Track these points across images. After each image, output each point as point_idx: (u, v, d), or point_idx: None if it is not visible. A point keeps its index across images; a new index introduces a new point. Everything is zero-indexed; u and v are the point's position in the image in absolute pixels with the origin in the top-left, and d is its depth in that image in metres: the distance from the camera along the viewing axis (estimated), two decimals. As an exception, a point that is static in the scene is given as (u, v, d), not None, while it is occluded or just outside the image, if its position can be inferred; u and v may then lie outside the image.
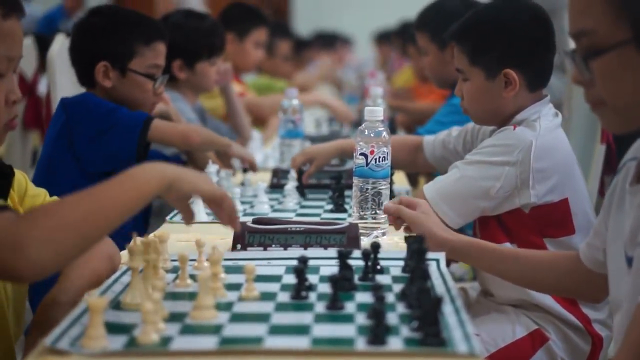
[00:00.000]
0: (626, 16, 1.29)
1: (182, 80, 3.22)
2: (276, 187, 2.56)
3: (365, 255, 1.56)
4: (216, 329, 1.31)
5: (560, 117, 2.12)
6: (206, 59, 3.21)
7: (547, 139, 2.04)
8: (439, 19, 2.93)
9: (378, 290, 1.30)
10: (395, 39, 7.45)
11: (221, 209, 1.52)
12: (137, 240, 1.43)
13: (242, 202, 2.34)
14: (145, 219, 2.57)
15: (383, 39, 8.84)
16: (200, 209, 2.17)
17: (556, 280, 1.76)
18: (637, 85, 1.31)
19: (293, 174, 2.46)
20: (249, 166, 2.63)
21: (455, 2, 2.99)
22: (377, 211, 1.93)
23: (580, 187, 2.09)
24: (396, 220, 1.86)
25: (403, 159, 2.45)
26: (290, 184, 2.40)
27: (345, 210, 2.25)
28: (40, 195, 1.74)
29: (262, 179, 2.52)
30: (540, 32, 2.09)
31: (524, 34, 2.08)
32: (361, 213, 1.93)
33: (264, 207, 2.29)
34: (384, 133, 1.93)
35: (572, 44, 1.41)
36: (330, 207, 2.30)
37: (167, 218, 2.18)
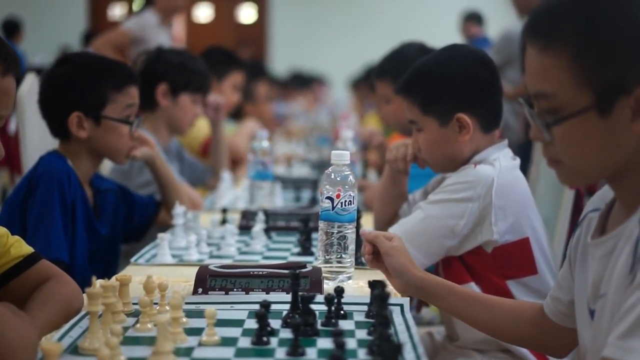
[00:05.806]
0: (589, 82, 1.28)
1: (161, 109, 3.24)
2: (245, 228, 2.54)
3: (328, 300, 1.55)
4: (174, 375, 1.29)
5: (518, 160, 2.16)
6: (190, 93, 3.26)
7: (507, 178, 2.06)
8: (401, 66, 2.92)
9: (338, 337, 1.29)
10: (362, 86, 7.56)
11: None
12: (97, 284, 1.42)
13: (209, 244, 2.33)
14: (114, 262, 2.53)
15: (357, 83, 8.92)
16: (165, 251, 2.15)
17: (522, 331, 1.72)
18: (597, 150, 1.31)
19: (261, 215, 2.45)
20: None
21: (414, 50, 3.02)
22: (343, 255, 1.91)
23: (539, 228, 2.11)
24: (372, 260, 1.80)
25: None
26: (258, 226, 2.39)
27: (312, 254, 2.24)
28: (4, 236, 1.72)
29: (230, 221, 2.51)
30: (485, 74, 2.12)
31: (470, 77, 2.11)
32: (326, 257, 1.91)
33: (230, 249, 2.27)
34: (351, 177, 1.92)
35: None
36: (297, 250, 2.29)
37: (132, 260, 2.15)
